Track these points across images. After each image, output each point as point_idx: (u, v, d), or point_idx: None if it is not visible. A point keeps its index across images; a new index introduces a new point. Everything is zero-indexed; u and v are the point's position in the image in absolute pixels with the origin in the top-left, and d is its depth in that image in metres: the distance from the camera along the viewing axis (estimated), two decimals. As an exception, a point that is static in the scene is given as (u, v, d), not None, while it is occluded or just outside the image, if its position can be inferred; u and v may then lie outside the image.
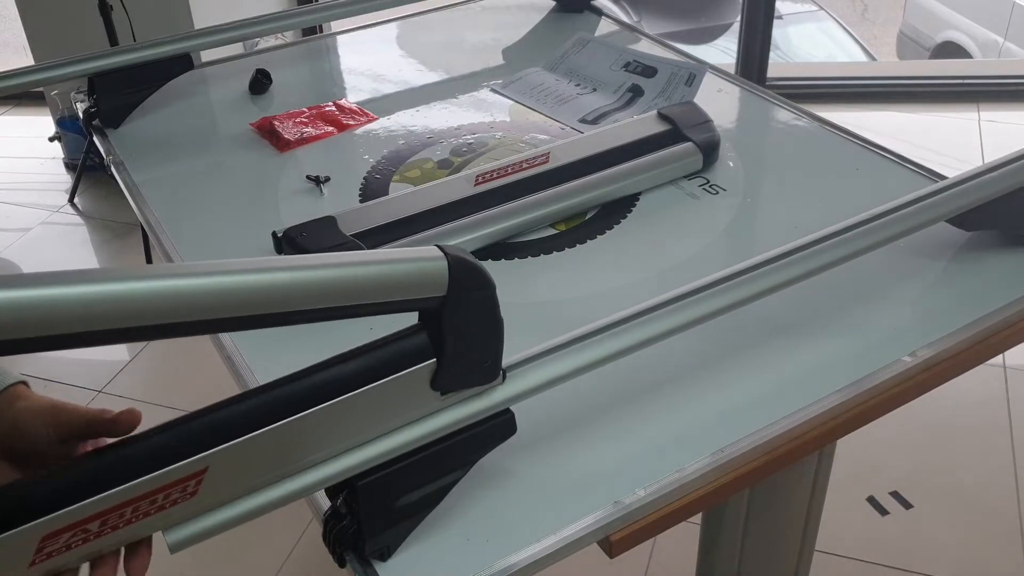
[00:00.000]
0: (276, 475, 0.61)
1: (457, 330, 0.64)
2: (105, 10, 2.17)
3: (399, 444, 0.65)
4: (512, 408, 0.69)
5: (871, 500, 1.73)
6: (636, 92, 1.32)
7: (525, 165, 1.09)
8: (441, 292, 0.61)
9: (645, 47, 1.51)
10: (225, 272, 0.52)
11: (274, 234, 1.00)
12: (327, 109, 1.35)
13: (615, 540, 0.71)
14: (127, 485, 0.53)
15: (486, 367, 0.67)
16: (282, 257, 0.57)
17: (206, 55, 1.52)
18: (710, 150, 1.14)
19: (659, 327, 0.74)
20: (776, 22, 2.89)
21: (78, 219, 2.84)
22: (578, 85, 1.37)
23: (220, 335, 0.91)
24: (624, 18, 3.26)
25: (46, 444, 0.67)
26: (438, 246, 0.62)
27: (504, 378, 0.69)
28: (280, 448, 0.59)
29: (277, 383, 0.59)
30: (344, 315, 0.59)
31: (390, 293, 0.60)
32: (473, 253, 1.01)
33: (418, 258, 0.61)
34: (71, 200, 2.89)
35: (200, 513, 0.59)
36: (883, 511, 1.71)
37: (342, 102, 1.37)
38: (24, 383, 0.74)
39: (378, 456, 0.64)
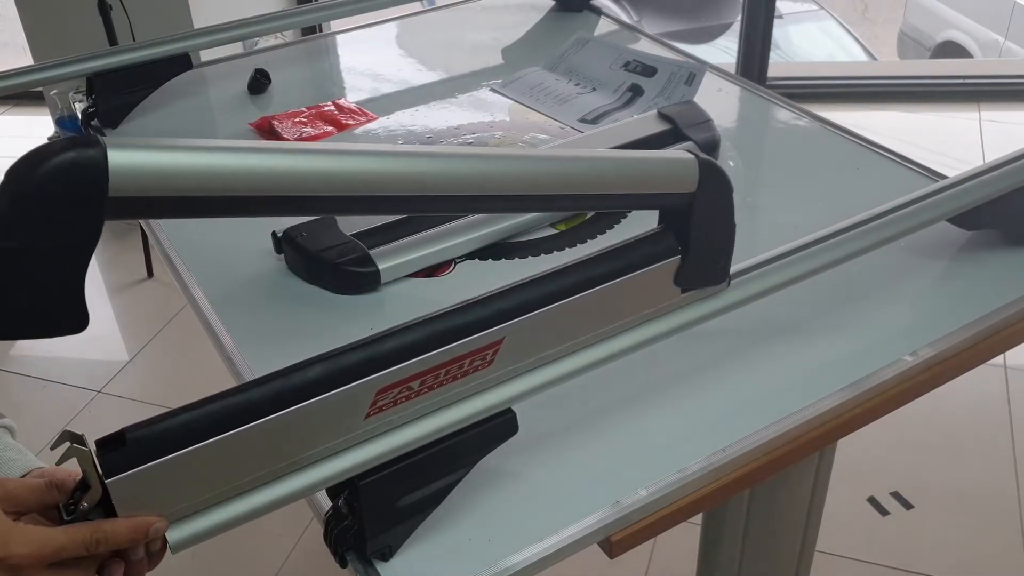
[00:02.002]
0: (552, 351, 0.70)
1: (701, 228, 0.72)
2: (104, 10, 2.16)
3: (409, 440, 0.65)
4: (514, 408, 0.69)
5: (871, 500, 1.73)
6: (636, 91, 1.32)
7: (525, 165, 1.09)
8: (691, 189, 0.69)
9: (645, 46, 1.51)
10: (512, 158, 0.64)
11: (274, 234, 1.00)
12: (326, 109, 1.35)
13: (615, 541, 0.71)
14: (443, 348, 0.63)
15: (719, 268, 0.76)
16: (550, 150, 0.70)
17: (205, 55, 1.52)
18: (710, 150, 1.14)
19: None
20: (776, 21, 2.89)
21: (77, 219, 2.83)
22: (578, 84, 1.37)
23: (220, 335, 0.91)
24: (624, 17, 3.26)
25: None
26: (687, 149, 0.71)
27: (729, 284, 0.77)
28: (555, 327, 0.69)
29: (549, 275, 0.69)
30: (603, 205, 0.74)
31: (649, 186, 0.69)
32: (473, 253, 1.01)
33: (672, 158, 0.70)
34: (70, 200, 2.88)
35: (491, 384, 0.68)
36: (883, 511, 1.71)
37: (341, 102, 1.37)
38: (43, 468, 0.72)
39: (381, 455, 0.64)
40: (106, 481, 0.56)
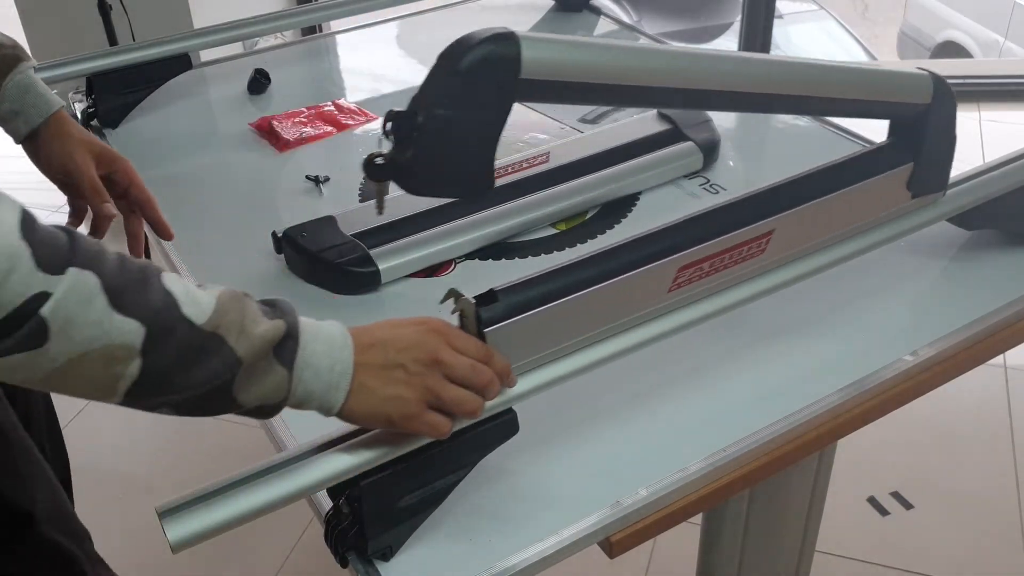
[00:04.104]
0: (809, 245, 0.82)
1: (933, 136, 0.83)
2: (104, 10, 2.16)
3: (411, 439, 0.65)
4: (515, 408, 0.69)
5: (871, 500, 1.73)
6: (636, 92, 1.32)
7: (525, 165, 1.09)
8: (927, 101, 0.81)
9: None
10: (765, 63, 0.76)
11: (274, 234, 1.00)
12: (326, 109, 1.35)
13: (615, 541, 0.71)
14: (730, 235, 0.74)
15: (941, 176, 0.86)
16: (799, 58, 0.80)
17: (205, 55, 1.52)
18: (710, 149, 1.14)
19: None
20: (776, 21, 2.88)
21: (77, 219, 2.83)
22: (578, 85, 1.36)
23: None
24: (624, 17, 3.25)
25: (89, 174, 0.81)
26: (919, 67, 0.83)
27: (945, 193, 0.88)
28: (814, 223, 0.80)
29: (810, 176, 0.80)
30: (850, 110, 0.80)
31: (891, 95, 0.80)
32: (473, 253, 1.01)
33: (910, 73, 0.81)
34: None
35: (762, 270, 0.79)
36: (884, 511, 1.71)
37: (341, 102, 1.37)
38: (64, 106, 0.89)
39: (382, 455, 0.64)
40: (484, 331, 0.65)
